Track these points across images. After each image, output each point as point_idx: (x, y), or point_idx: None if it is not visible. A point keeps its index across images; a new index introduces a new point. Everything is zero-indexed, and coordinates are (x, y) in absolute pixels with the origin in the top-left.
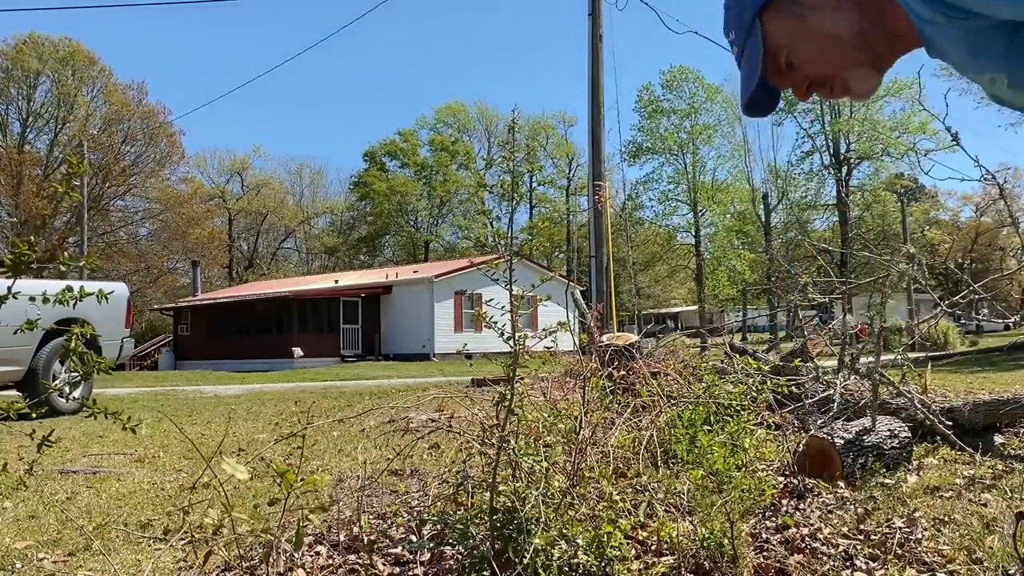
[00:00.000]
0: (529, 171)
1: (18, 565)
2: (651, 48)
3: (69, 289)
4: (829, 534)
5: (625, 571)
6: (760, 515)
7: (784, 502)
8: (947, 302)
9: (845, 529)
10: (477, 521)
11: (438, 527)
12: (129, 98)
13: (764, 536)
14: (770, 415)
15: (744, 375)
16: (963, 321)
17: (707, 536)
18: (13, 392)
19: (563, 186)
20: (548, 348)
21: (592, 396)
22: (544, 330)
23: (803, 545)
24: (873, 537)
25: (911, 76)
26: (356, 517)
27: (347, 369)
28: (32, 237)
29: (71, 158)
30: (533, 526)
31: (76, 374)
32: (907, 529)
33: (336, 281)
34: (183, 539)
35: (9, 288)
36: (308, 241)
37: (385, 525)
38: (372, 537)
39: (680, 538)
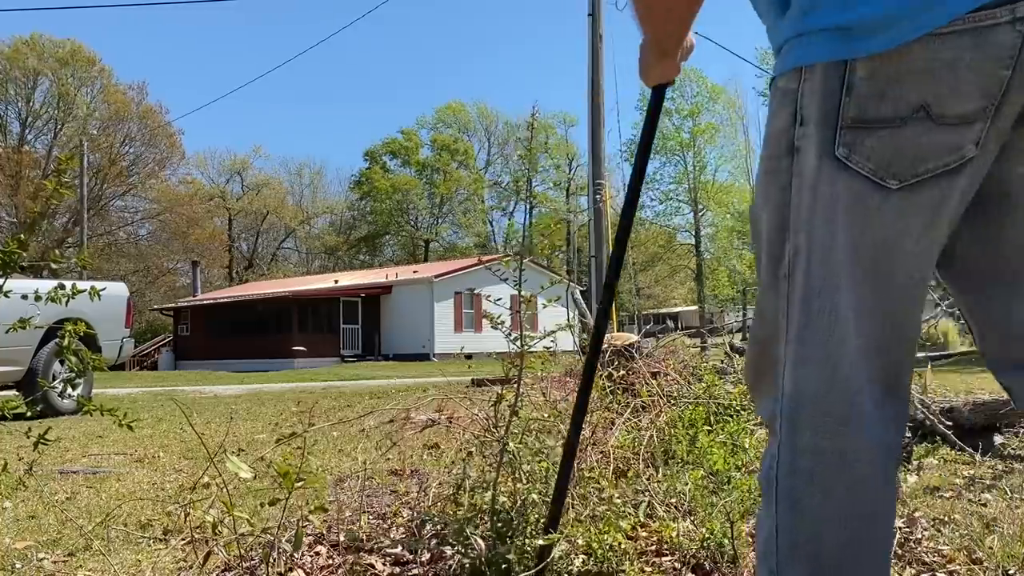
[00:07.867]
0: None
1: (18, 565)
2: None
3: (61, 286)
4: None
5: (625, 571)
6: None
7: None
8: (947, 302)
9: None
10: (477, 521)
11: (438, 527)
12: (129, 99)
13: None
14: None
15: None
16: (963, 321)
17: (707, 536)
18: (13, 392)
19: (564, 186)
20: (548, 348)
21: (592, 396)
22: (545, 331)
23: None
24: None
25: None
26: (356, 517)
27: (347, 369)
28: (22, 235)
29: (62, 156)
30: (533, 527)
31: (73, 372)
32: (907, 529)
33: (336, 281)
34: (183, 539)
35: (0, 287)
36: (308, 241)
37: (385, 525)
38: (371, 536)
39: (680, 538)
